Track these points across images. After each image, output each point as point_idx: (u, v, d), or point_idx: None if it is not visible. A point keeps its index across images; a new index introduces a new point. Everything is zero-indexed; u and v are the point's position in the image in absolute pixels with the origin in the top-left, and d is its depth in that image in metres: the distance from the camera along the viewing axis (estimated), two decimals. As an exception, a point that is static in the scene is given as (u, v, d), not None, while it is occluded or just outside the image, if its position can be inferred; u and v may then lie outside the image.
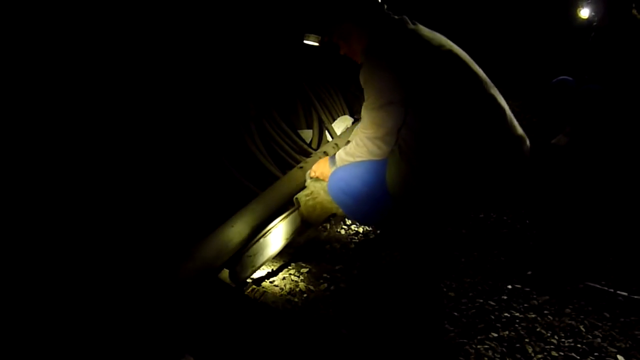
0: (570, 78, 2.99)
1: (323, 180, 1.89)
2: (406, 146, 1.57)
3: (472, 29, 5.13)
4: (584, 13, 2.94)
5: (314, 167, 1.95)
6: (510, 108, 1.63)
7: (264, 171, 2.53)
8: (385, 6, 1.69)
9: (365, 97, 1.60)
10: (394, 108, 1.53)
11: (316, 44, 1.95)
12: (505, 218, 2.41)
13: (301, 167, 2.35)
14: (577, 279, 1.92)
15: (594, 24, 2.85)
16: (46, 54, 2.02)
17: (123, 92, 2.27)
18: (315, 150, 2.78)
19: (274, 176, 2.45)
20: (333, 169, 1.79)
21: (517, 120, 1.63)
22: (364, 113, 1.62)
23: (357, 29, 1.64)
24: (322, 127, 3.08)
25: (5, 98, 1.91)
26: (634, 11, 2.67)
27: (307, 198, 1.95)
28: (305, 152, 2.77)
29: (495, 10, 5.45)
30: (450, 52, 1.58)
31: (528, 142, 1.61)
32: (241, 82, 2.79)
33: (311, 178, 1.97)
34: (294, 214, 1.99)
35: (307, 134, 3.07)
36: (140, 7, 2.36)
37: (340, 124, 3.11)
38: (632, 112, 2.71)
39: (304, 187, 2.03)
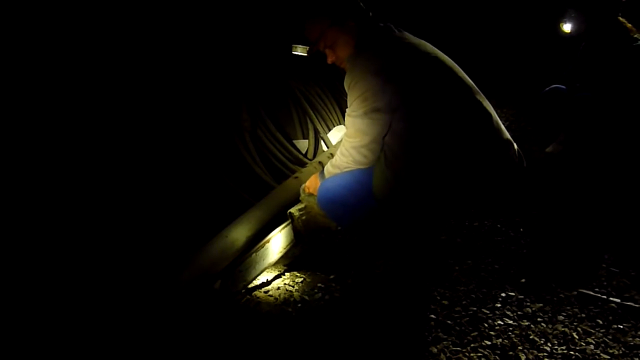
0: (563, 86, 3.02)
1: (315, 194, 1.90)
2: (391, 153, 1.57)
3: (465, 39, 5.19)
4: (567, 28, 2.98)
5: (307, 182, 1.95)
6: (505, 116, 1.65)
7: (259, 181, 2.55)
8: (371, 13, 1.70)
9: (349, 103, 1.60)
10: (379, 115, 1.54)
11: (304, 54, 1.97)
12: (499, 226, 2.42)
13: (296, 177, 2.37)
14: (571, 286, 1.93)
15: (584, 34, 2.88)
16: (34, 55, 2.05)
17: (120, 99, 2.30)
18: (311, 160, 2.80)
19: (269, 186, 2.47)
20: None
21: (512, 129, 1.65)
22: (348, 120, 1.62)
23: (342, 36, 1.65)
24: (318, 137, 3.10)
25: (3, 98, 1.93)
26: (621, 18, 2.70)
27: (301, 212, 1.96)
28: (301, 162, 2.79)
29: (488, 20, 5.51)
30: (437, 59, 1.60)
31: (516, 147, 1.63)
32: (235, 93, 2.81)
33: (305, 193, 1.98)
34: (287, 227, 2.01)
35: (303, 144, 3.10)
36: (130, 19, 2.39)
37: (336, 134, 3.14)
38: (625, 118, 2.73)
39: (298, 199, 2.04)
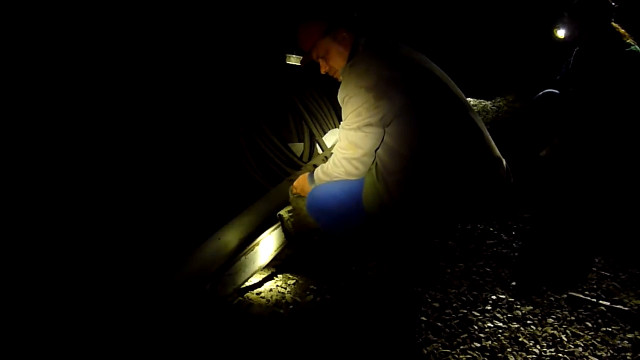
0: (556, 91, 3.04)
1: (304, 196, 1.89)
2: (383, 166, 1.57)
3: (459, 42, 5.22)
4: (560, 33, 2.99)
5: (295, 183, 1.94)
6: (499, 120, 1.66)
7: (253, 183, 2.56)
8: (364, 23, 1.67)
9: (343, 116, 1.60)
10: (373, 129, 1.53)
11: (298, 64, 1.97)
12: (491, 229, 2.44)
13: (291, 180, 2.38)
14: (561, 289, 1.95)
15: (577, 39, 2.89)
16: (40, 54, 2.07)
17: (119, 101, 2.32)
18: (306, 163, 2.82)
19: (263, 188, 2.48)
20: (312, 186, 1.79)
21: (505, 133, 1.66)
22: (341, 133, 1.61)
23: (335, 47, 1.63)
24: (313, 141, 3.11)
25: (7, 98, 1.95)
26: (614, 23, 2.72)
27: (290, 214, 1.97)
28: (296, 165, 2.80)
29: (482, 25, 5.55)
30: (431, 74, 1.59)
31: (505, 163, 1.64)
32: (231, 96, 2.83)
33: (293, 194, 1.98)
34: (278, 229, 2.01)
35: (299, 147, 3.11)
36: (134, 27, 2.42)
37: (331, 137, 3.15)
38: (618, 123, 2.75)
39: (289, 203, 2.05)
